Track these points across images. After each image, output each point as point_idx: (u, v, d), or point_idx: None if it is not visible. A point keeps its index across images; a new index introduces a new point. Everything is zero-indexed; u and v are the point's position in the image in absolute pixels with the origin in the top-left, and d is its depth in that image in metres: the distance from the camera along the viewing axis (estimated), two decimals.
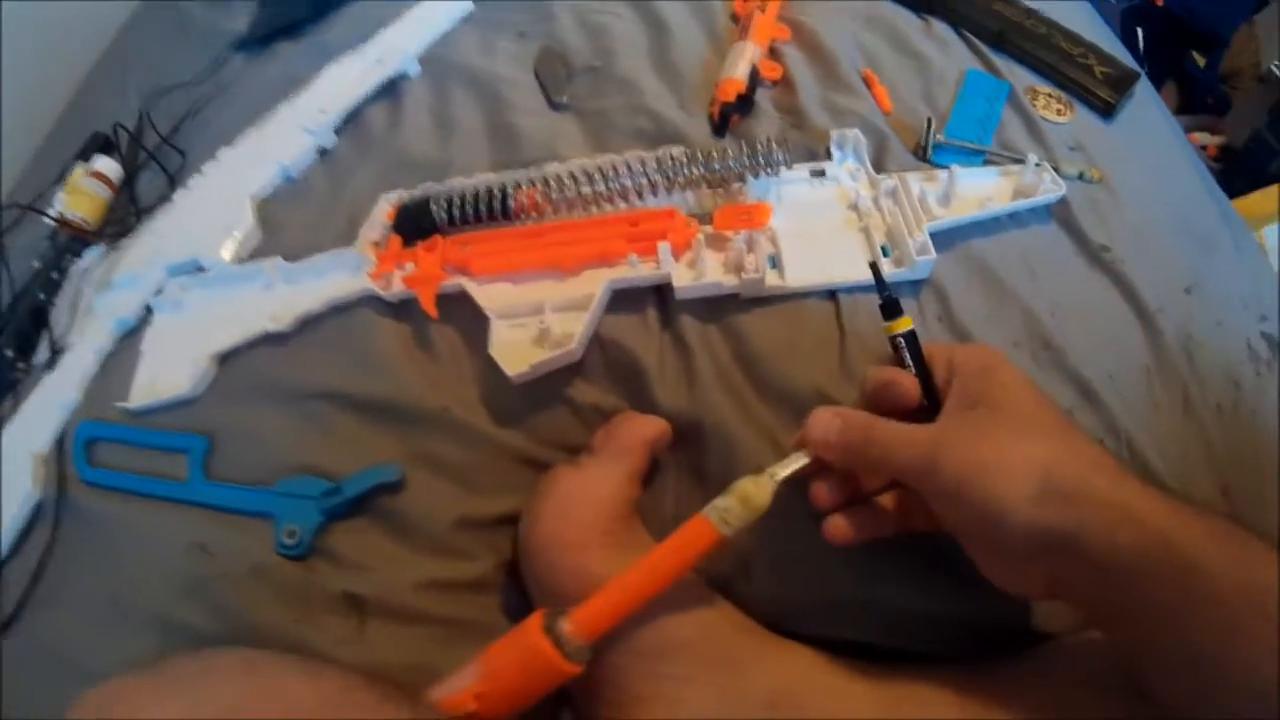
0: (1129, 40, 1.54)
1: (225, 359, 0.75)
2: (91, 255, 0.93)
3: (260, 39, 1.03)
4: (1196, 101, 1.62)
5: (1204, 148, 1.59)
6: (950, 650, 0.61)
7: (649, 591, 0.55)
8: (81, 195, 1.00)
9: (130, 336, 0.81)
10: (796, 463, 0.56)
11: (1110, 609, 0.46)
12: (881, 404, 0.56)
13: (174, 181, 0.95)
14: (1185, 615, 0.42)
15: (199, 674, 0.51)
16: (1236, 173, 1.38)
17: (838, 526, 0.56)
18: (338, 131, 0.86)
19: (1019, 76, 0.88)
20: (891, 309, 0.58)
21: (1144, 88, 0.92)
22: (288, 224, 0.81)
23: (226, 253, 0.80)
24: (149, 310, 0.81)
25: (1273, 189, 1.35)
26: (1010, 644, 0.60)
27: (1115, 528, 0.43)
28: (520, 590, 0.65)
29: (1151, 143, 0.89)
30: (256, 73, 1.00)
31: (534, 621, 0.54)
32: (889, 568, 0.60)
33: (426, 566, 0.65)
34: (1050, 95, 0.88)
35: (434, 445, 0.68)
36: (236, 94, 0.98)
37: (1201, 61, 1.65)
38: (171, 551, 0.66)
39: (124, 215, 0.98)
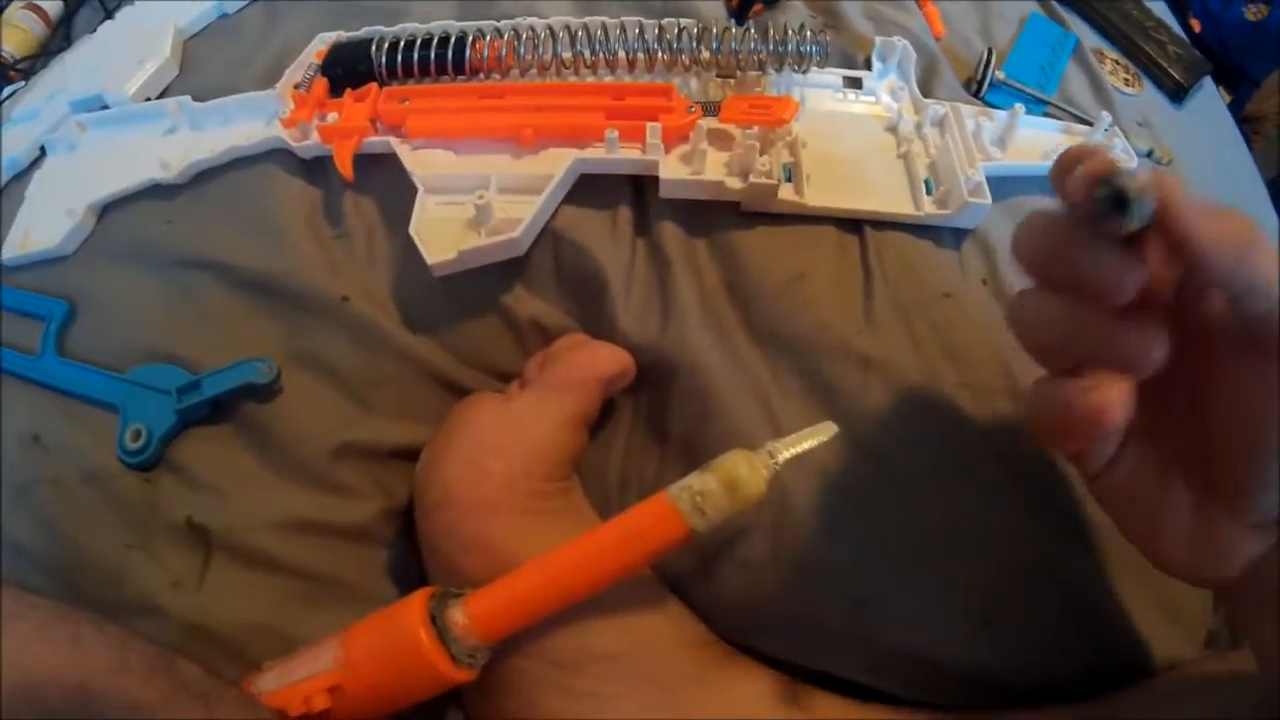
0: None
1: (107, 211, 0.55)
2: (9, 92, 0.73)
3: None
4: None
5: None
6: (947, 702, 0.43)
7: (578, 590, 0.38)
8: (13, 29, 0.81)
9: (21, 179, 0.60)
10: (811, 439, 0.37)
11: None
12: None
13: (109, 16, 0.75)
14: None
15: None
16: None
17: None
18: None
19: (1084, 35, 0.69)
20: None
21: (1210, 84, 0.76)
22: (208, 63, 0.60)
23: (132, 87, 0.60)
24: (43, 151, 0.61)
25: None
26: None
27: None
28: (414, 550, 0.46)
29: (1219, 140, 0.73)
30: None
31: (415, 604, 0.38)
32: (891, 593, 0.42)
33: (294, 500, 0.46)
34: (1118, 62, 0.70)
35: (324, 344, 0.48)
36: None
37: (1227, 98, 1.48)
38: (6, 442, 0.47)
39: (57, 51, 0.79)
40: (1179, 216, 0.26)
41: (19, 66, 0.78)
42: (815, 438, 0.37)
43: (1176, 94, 0.70)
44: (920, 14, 0.62)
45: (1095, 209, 0.27)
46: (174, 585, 0.43)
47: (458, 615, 0.36)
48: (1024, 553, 0.44)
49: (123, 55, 0.63)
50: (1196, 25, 1.45)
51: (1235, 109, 1.45)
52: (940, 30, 0.62)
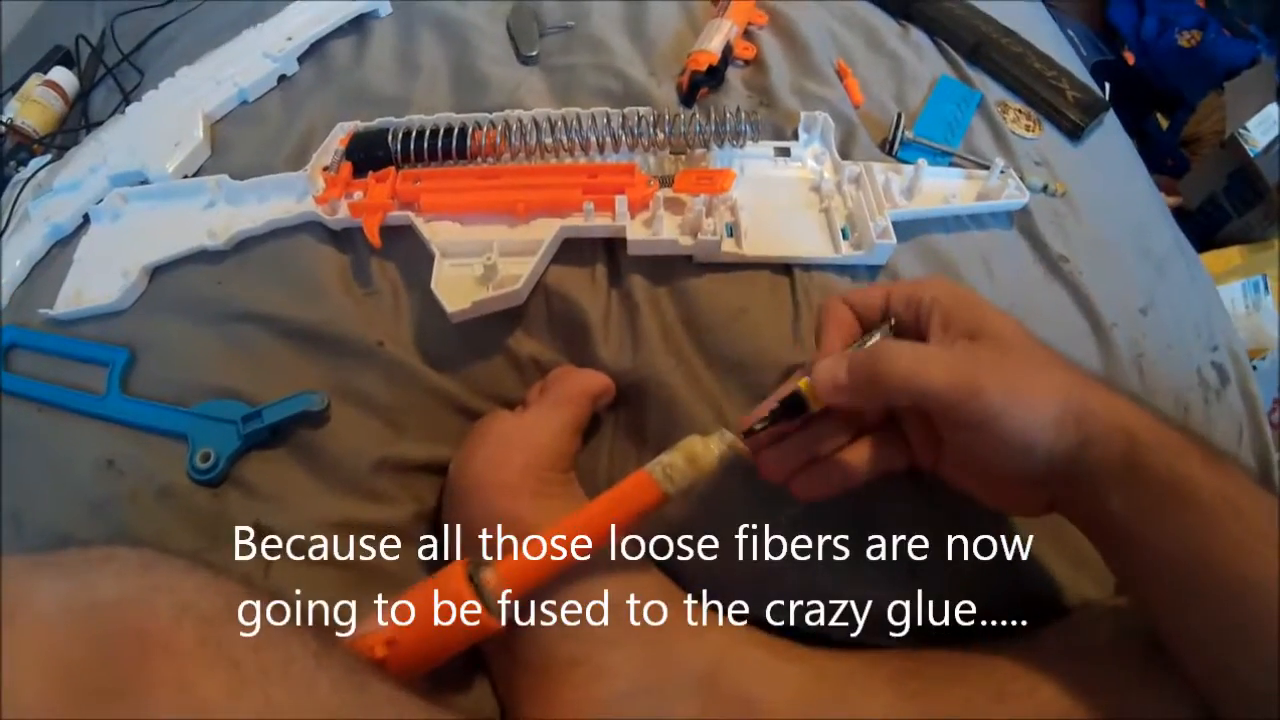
0: None
1: (157, 273, 0.71)
2: (36, 164, 0.89)
3: None
4: (1155, 162, 1.62)
5: None
6: (892, 641, 0.58)
7: (583, 547, 0.51)
8: (33, 104, 0.97)
9: (64, 244, 0.77)
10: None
11: (1101, 517, 0.47)
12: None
13: (128, 97, 0.91)
14: (1170, 518, 0.43)
15: (91, 562, 0.45)
16: (1190, 235, 1.38)
17: (805, 484, 0.52)
18: (301, 60, 0.83)
19: (990, 90, 0.87)
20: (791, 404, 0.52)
21: (1112, 119, 0.93)
22: (238, 145, 0.77)
23: (171, 166, 0.76)
24: (86, 219, 0.77)
25: (1228, 250, 1.37)
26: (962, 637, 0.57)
27: (1112, 441, 0.44)
28: (441, 544, 0.61)
29: (1115, 168, 0.90)
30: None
31: (457, 569, 0.51)
32: (832, 551, 0.57)
33: (342, 506, 0.61)
34: (1020, 111, 0.87)
35: (363, 381, 0.64)
36: (202, 18, 0.95)
37: (1164, 124, 1.66)
38: (79, 467, 0.62)
39: (76, 127, 0.95)
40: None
41: (41, 140, 0.94)
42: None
43: (1074, 133, 0.87)
44: (841, 87, 0.80)
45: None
46: (245, 577, 0.59)
47: (490, 576, 0.51)
48: (940, 521, 0.58)
49: (157, 136, 0.80)
50: (1131, 58, 1.65)
51: (1173, 133, 1.63)
52: (859, 99, 0.80)
